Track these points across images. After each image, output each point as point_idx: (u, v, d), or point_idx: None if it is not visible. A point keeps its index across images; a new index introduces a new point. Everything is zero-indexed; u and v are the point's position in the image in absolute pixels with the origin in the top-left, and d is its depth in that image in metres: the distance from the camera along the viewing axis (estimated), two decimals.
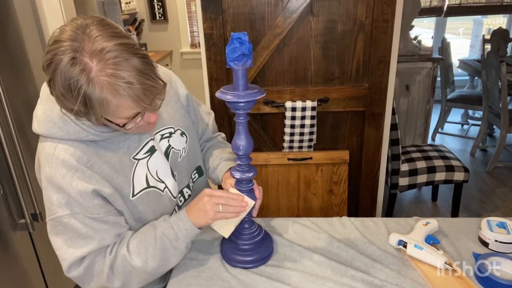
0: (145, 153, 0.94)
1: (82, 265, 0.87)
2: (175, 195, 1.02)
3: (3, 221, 1.53)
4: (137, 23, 4.12)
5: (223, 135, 1.28)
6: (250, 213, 0.99)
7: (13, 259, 1.59)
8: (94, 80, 0.69)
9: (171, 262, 0.93)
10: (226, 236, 0.96)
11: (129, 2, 3.83)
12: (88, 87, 0.69)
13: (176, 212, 1.04)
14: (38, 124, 0.84)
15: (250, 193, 1.01)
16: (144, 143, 0.94)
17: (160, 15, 4.16)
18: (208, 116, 1.21)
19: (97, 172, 0.85)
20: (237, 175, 0.98)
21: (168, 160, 0.99)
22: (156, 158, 0.96)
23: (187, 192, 1.10)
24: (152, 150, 0.95)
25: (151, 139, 0.96)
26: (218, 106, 1.80)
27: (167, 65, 4.21)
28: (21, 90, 1.68)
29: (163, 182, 0.98)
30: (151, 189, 0.95)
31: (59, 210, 0.83)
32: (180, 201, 1.07)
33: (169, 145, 1.00)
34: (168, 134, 1.00)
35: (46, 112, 0.83)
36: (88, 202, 0.83)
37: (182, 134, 1.04)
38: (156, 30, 4.24)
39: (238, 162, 0.97)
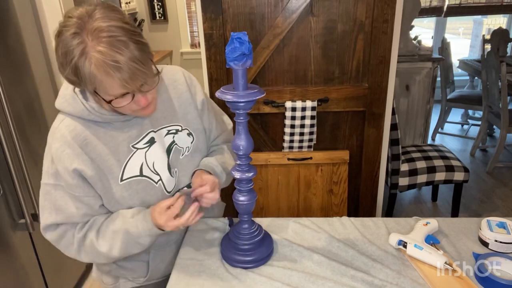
0: (145, 144, 0.98)
1: (55, 232, 0.96)
2: (169, 190, 1.03)
3: (3, 221, 1.53)
4: (137, 23, 4.12)
5: (229, 145, 1.25)
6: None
7: (13, 259, 1.59)
8: (86, 54, 0.76)
9: (133, 252, 0.99)
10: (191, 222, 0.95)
11: (129, 2, 3.83)
12: (79, 59, 0.76)
13: None
14: (57, 99, 0.93)
15: (250, 193, 1.01)
16: (145, 133, 0.98)
17: (160, 15, 4.16)
18: (226, 127, 1.22)
19: (89, 151, 0.91)
20: (237, 175, 0.98)
21: (169, 155, 1.02)
22: (155, 150, 0.99)
23: (163, 187, 1.08)
24: (151, 142, 0.98)
25: (152, 131, 0.99)
26: (218, 106, 1.80)
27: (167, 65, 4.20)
28: (21, 90, 1.68)
29: (158, 174, 1.00)
30: (143, 178, 0.98)
31: (47, 177, 0.93)
32: (153, 194, 1.07)
33: (173, 141, 1.03)
34: (174, 131, 1.03)
35: (63, 89, 0.93)
36: (69, 179, 0.91)
37: (189, 134, 1.06)
38: (156, 30, 4.24)
39: (238, 162, 0.97)
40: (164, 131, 1.01)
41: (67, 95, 0.91)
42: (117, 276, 1.14)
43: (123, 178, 0.95)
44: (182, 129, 1.05)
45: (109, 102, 0.82)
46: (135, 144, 0.96)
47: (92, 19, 0.77)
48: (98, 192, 0.95)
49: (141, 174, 0.97)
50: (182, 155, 1.05)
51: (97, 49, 0.75)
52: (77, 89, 0.90)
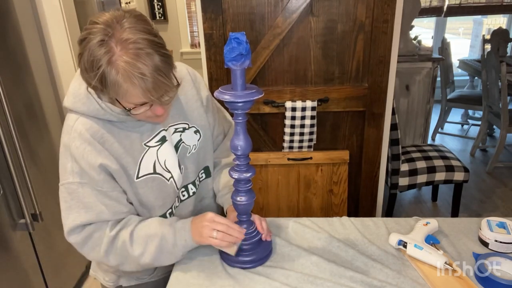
0: (156, 142, 0.99)
1: (81, 234, 0.93)
2: (178, 187, 1.05)
3: (3, 221, 1.53)
4: None
5: None
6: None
7: (13, 259, 1.59)
8: (113, 63, 0.77)
9: (163, 262, 0.98)
10: (233, 254, 0.99)
11: (129, 2, 3.83)
12: (106, 67, 0.77)
13: (174, 205, 1.07)
14: (67, 98, 0.93)
15: (249, 194, 1.01)
16: (157, 132, 0.99)
17: (160, 15, 4.16)
18: (228, 123, 1.24)
19: (108, 148, 0.91)
20: (235, 175, 0.98)
21: (177, 153, 1.03)
22: (166, 148, 1.00)
23: (191, 189, 1.11)
24: (163, 140, 1.00)
25: (163, 130, 1.00)
26: None
27: None
28: (21, 90, 1.68)
29: (169, 172, 1.02)
30: (157, 175, 0.99)
31: (71, 177, 0.91)
32: (183, 195, 1.10)
33: (180, 139, 1.05)
34: (181, 129, 1.05)
35: (75, 88, 0.92)
36: (95, 175, 0.90)
37: (196, 132, 1.08)
38: None
39: (237, 162, 0.97)
40: (172, 129, 1.03)
41: (80, 94, 0.91)
42: (120, 276, 1.14)
43: (139, 176, 0.97)
44: (189, 127, 1.06)
45: (129, 110, 0.84)
46: (147, 143, 0.98)
47: (121, 28, 0.77)
48: (123, 187, 0.96)
49: (154, 172, 0.99)
50: (189, 152, 1.07)
51: (124, 59, 0.76)
52: (90, 89, 0.90)
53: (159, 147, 0.99)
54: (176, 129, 1.04)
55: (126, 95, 0.81)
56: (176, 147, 1.04)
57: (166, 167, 1.01)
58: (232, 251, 0.99)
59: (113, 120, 0.93)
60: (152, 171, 0.99)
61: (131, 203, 0.99)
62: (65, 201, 0.93)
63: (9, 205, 1.57)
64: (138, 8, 4.12)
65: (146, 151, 0.97)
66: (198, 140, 1.08)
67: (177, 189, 1.05)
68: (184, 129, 1.05)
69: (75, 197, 0.92)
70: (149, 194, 0.99)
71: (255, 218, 1.06)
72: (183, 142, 1.05)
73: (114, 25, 0.78)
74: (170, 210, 1.06)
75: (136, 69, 0.76)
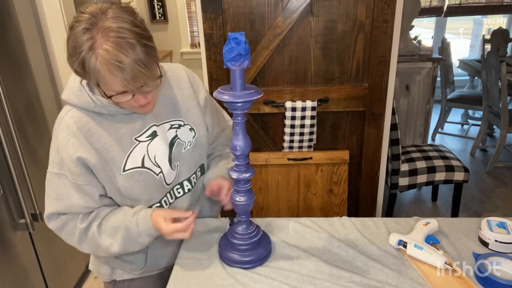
0: (147, 137, 1.00)
1: (56, 221, 0.99)
2: (168, 182, 1.06)
3: (3, 221, 1.53)
4: None
5: None
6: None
7: (13, 259, 1.59)
8: (94, 50, 0.79)
9: (134, 249, 1.02)
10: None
11: (129, 2, 3.83)
12: (87, 53, 0.80)
13: (165, 200, 1.08)
14: (64, 91, 0.97)
15: (248, 194, 1.01)
16: (148, 127, 1.01)
17: (160, 15, 4.16)
18: (226, 123, 1.27)
19: (93, 142, 0.94)
20: (234, 175, 0.98)
21: (171, 149, 1.05)
22: (156, 143, 1.02)
23: (187, 186, 1.12)
24: (153, 135, 1.01)
25: (154, 125, 1.02)
26: None
27: None
28: (21, 90, 1.68)
29: (159, 166, 1.03)
30: (145, 169, 1.00)
31: (52, 166, 0.96)
32: (179, 192, 1.11)
33: (176, 135, 1.06)
34: (177, 126, 1.07)
35: (71, 81, 0.96)
36: (72, 167, 0.93)
37: (191, 129, 1.09)
38: (156, 30, 4.24)
39: (236, 162, 0.97)
40: (167, 125, 1.05)
41: (74, 87, 0.94)
42: (113, 267, 1.16)
43: (126, 169, 0.98)
44: (184, 124, 1.08)
45: (110, 97, 0.86)
46: (137, 137, 0.99)
47: (104, 17, 0.80)
48: (101, 181, 0.97)
49: (142, 166, 1.00)
50: (184, 149, 1.08)
51: (104, 47, 0.79)
52: (84, 82, 0.93)
53: (150, 142, 1.01)
54: (172, 125, 1.06)
55: (106, 82, 0.83)
56: (172, 143, 1.05)
57: (156, 161, 1.02)
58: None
59: (104, 113, 0.95)
60: (140, 165, 1.00)
61: (110, 198, 1.02)
62: (47, 188, 0.98)
63: (9, 205, 1.57)
64: (138, 8, 4.12)
65: (136, 145, 0.99)
66: (193, 137, 1.10)
67: (166, 184, 1.06)
68: (180, 125, 1.07)
69: (51, 187, 0.97)
70: (135, 187, 1.00)
71: (225, 187, 1.08)
72: (178, 138, 1.07)
73: (98, 15, 0.81)
74: (158, 204, 1.06)
75: (114, 57, 0.79)
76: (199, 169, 1.15)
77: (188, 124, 1.09)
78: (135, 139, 0.99)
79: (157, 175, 1.03)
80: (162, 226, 0.96)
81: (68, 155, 0.92)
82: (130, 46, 0.80)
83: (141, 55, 0.81)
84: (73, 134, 0.93)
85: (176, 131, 1.06)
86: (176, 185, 1.09)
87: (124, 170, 0.98)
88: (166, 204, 1.08)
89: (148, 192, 1.03)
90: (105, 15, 0.81)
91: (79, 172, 0.94)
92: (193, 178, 1.13)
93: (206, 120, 1.14)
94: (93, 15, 0.81)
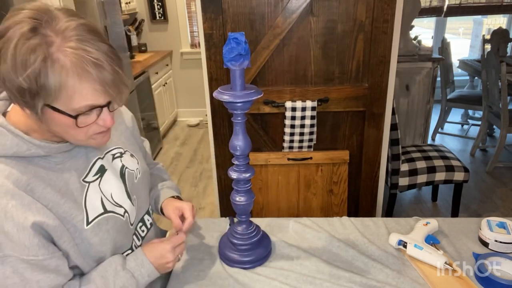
0: (94, 175, 0.81)
1: None
2: (132, 222, 0.89)
3: None
4: (137, 23, 4.12)
5: (161, 163, 1.20)
6: None
7: None
8: (55, 55, 0.61)
9: None
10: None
11: (129, 2, 3.83)
12: (45, 62, 0.61)
13: (134, 244, 0.91)
14: None
15: (248, 194, 1.01)
16: (92, 162, 0.81)
17: (160, 15, 4.16)
18: (145, 143, 1.13)
19: (39, 198, 0.70)
20: (234, 175, 0.98)
21: (125, 181, 0.88)
22: (108, 179, 0.83)
23: (148, 220, 0.98)
24: (102, 170, 0.83)
25: (99, 158, 0.83)
26: (218, 106, 1.80)
27: (167, 65, 4.21)
28: None
29: (121, 206, 0.85)
30: (110, 214, 0.81)
31: None
32: (142, 231, 0.95)
33: (123, 165, 0.89)
34: (119, 154, 0.89)
35: None
36: (25, 240, 0.67)
37: (132, 155, 0.94)
38: (156, 30, 4.24)
39: (236, 162, 0.97)
40: (109, 156, 0.87)
41: None
42: None
43: (89, 221, 0.77)
44: (124, 151, 0.92)
45: (75, 117, 0.67)
46: (85, 178, 0.79)
47: (55, 18, 0.63)
48: (65, 247, 0.74)
49: (105, 211, 0.81)
50: (136, 178, 0.92)
51: (71, 45, 0.62)
52: (1, 118, 0.69)
53: (100, 180, 0.81)
54: (114, 155, 0.88)
55: (76, 94, 0.64)
56: (122, 174, 0.88)
57: (115, 201, 0.83)
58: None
59: (35, 157, 0.72)
60: (102, 211, 0.80)
61: (74, 266, 0.78)
62: None
63: None
64: (138, 8, 4.12)
65: (87, 189, 0.79)
66: (138, 164, 0.94)
67: (131, 225, 0.88)
68: (121, 153, 0.90)
69: None
70: (106, 239, 0.79)
71: (185, 209, 0.96)
72: (126, 167, 0.89)
73: (44, 15, 0.62)
74: (129, 251, 0.88)
75: (88, 53, 0.62)
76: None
77: (127, 151, 0.93)
78: (83, 181, 0.78)
79: (123, 216, 0.84)
80: (161, 250, 0.83)
81: (17, 225, 0.66)
82: (96, 43, 0.64)
83: (110, 52, 0.65)
84: (10, 194, 0.66)
85: (121, 160, 0.88)
86: (139, 223, 0.93)
87: (88, 223, 0.76)
88: (135, 248, 0.90)
89: (119, 240, 0.84)
90: (53, 15, 0.63)
91: (38, 244, 0.68)
92: (150, 209, 1.01)
93: (138, 141, 1.01)
94: (37, 12, 0.62)
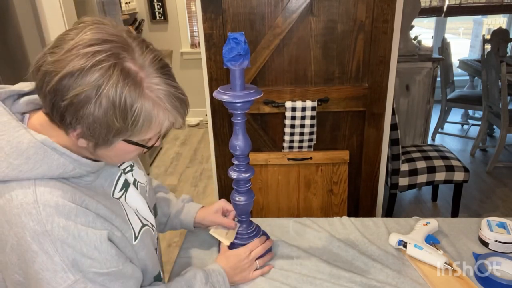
0: (120, 190, 0.78)
1: None
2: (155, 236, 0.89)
3: None
4: (137, 23, 4.12)
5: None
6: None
7: None
8: (145, 92, 0.60)
9: None
10: (227, 244, 1.00)
11: (129, 2, 3.83)
12: (139, 103, 0.59)
13: (159, 258, 0.91)
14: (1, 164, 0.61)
15: (248, 194, 1.01)
16: (116, 178, 0.78)
17: (160, 15, 4.16)
18: None
19: (99, 214, 0.69)
20: (234, 175, 0.98)
21: (143, 195, 0.87)
22: (132, 193, 0.81)
23: (155, 235, 0.93)
24: (126, 185, 0.80)
25: (122, 172, 0.81)
26: (218, 106, 1.80)
27: None
28: None
29: (147, 219, 0.84)
30: (146, 227, 0.81)
31: (67, 276, 0.62)
32: (155, 243, 0.91)
33: (135, 179, 0.86)
34: (129, 168, 0.86)
35: (11, 143, 0.61)
36: (105, 253, 0.66)
37: (139, 167, 0.92)
38: (156, 30, 4.24)
39: (236, 162, 0.97)
40: (122, 169, 0.84)
41: (26, 151, 0.61)
42: None
43: (137, 235, 0.76)
44: (133, 163, 0.88)
45: (149, 147, 0.69)
46: (113, 194, 0.76)
47: (130, 49, 0.60)
48: (129, 256, 0.74)
49: (143, 224, 0.80)
50: (147, 192, 0.90)
51: (154, 82, 0.61)
52: (42, 137, 0.63)
53: (125, 195, 0.79)
54: (124, 169, 0.84)
55: (155, 127, 0.63)
56: (136, 188, 0.85)
57: (142, 215, 0.82)
58: (228, 240, 1.01)
59: (76, 177, 0.67)
60: (141, 224, 0.79)
61: None
62: None
63: None
64: (138, 8, 4.12)
65: (123, 205, 0.77)
66: (145, 176, 0.92)
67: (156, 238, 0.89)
68: (132, 166, 0.87)
69: None
70: (148, 253, 0.79)
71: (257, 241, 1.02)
72: (138, 181, 0.86)
73: (121, 47, 0.59)
74: (158, 273, 0.86)
75: (175, 89, 0.63)
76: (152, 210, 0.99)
77: (135, 162, 0.90)
78: (113, 198, 0.76)
79: (153, 230, 0.84)
80: (241, 255, 0.93)
81: (92, 241, 0.64)
82: (170, 68, 0.65)
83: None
84: (74, 213, 0.63)
85: (133, 174, 0.86)
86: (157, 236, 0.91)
87: (135, 238, 0.75)
88: (162, 273, 0.89)
89: (152, 253, 0.82)
90: (128, 46, 0.60)
91: (116, 253, 0.68)
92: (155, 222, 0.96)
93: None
94: (116, 51, 0.57)
